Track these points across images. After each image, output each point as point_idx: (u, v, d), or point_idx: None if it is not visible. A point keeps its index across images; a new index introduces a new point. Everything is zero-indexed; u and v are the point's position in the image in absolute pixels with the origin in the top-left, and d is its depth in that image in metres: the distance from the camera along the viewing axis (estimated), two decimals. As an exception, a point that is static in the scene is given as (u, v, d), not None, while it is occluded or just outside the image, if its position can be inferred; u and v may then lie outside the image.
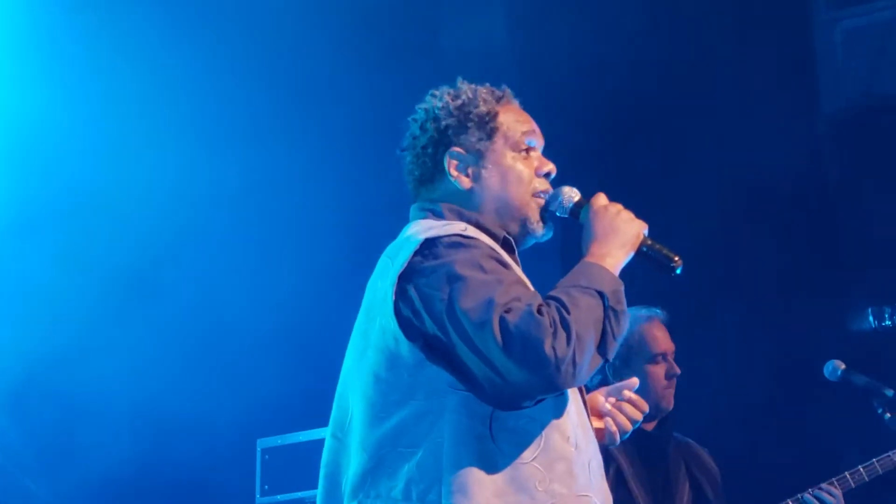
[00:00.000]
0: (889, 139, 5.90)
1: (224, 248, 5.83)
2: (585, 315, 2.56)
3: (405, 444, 2.64)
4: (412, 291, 2.62)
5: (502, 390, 2.56)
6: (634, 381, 3.00)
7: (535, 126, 2.95)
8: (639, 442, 4.64)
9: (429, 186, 2.93)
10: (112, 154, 5.70)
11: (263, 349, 5.74)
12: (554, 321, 2.51)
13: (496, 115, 2.90)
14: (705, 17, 5.95)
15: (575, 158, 6.00)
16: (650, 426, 4.70)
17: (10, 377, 5.55)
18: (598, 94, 5.93)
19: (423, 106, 2.97)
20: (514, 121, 2.92)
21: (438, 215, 2.86)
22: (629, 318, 2.67)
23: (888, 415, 4.46)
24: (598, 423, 2.94)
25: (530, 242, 2.92)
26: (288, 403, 5.52)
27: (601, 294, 2.61)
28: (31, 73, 5.72)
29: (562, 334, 2.50)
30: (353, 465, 2.72)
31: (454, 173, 2.88)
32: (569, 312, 2.54)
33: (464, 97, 2.92)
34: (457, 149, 2.88)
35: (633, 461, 4.61)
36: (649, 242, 2.83)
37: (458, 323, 2.56)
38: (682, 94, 5.91)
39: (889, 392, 4.43)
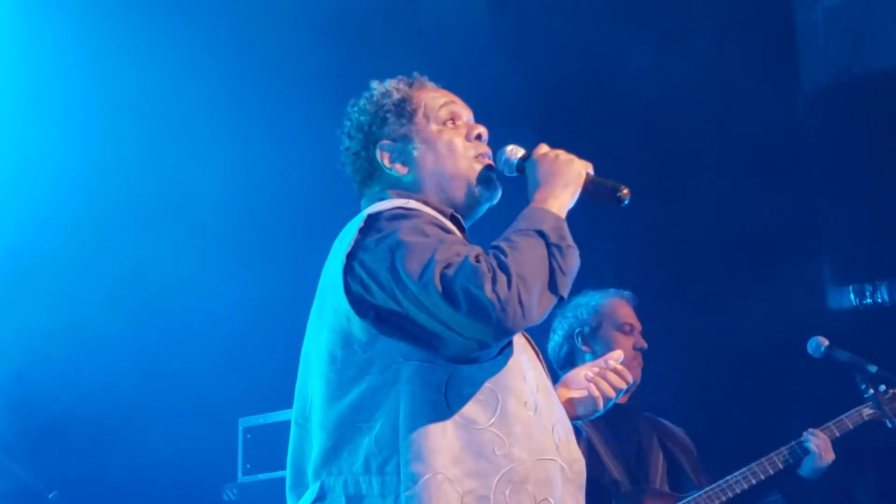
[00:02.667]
0: (869, 117, 5.91)
1: (210, 231, 5.82)
2: (526, 255, 2.58)
3: (363, 419, 2.67)
4: (359, 267, 2.67)
5: (458, 345, 2.59)
6: (619, 353, 3.05)
7: (453, 97, 3.02)
8: (608, 415, 4.65)
9: (370, 184, 3.00)
10: (107, 154, 5.70)
11: (245, 328, 5.73)
12: (491, 266, 2.53)
13: (411, 97, 2.98)
14: (687, -7, 5.96)
15: (556, 131, 6.05)
16: (621, 399, 4.72)
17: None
18: (578, 69, 5.91)
19: (345, 119, 3.06)
20: (431, 97, 2.99)
21: (385, 200, 2.89)
22: (577, 254, 2.67)
23: (871, 390, 4.49)
24: (579, 392, 3.01)
25: (483, 208, 2.97)
26: (270, 383, 5.50)
27: (541, 233, 2.64)
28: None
29: (501, 277, 2.52)
30: (315, 446, 2.76)
31: (388, 164, 2.96)
32: (506, 255, 2.56)
33: (376, 94, 3.02)
34: (385, 141, 2.97)
35: (603, 434, 4.65)
36: (594, 178, 2.85)
37: (404, 287, 2.59)
38: (662, 70, 5.90)
39: (872, 368, 4.45)
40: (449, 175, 2.91)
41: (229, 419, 5.53)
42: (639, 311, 4.82)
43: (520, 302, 2.52)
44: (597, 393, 3.00)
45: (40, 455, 5.38)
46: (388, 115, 2.97)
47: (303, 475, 2.81)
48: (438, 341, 2.61)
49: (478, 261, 2.54)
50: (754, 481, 4.61)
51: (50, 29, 5.79)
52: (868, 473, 5.36)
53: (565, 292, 2.63)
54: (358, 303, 2.68)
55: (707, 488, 4.62)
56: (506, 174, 2.92)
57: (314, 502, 2.73)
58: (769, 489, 4.72)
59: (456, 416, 2.62)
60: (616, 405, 4.62)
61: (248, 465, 5.39)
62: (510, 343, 2.69)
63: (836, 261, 5.92)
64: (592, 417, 3.05)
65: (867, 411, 4.64)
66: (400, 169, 2.94)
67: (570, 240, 2.66)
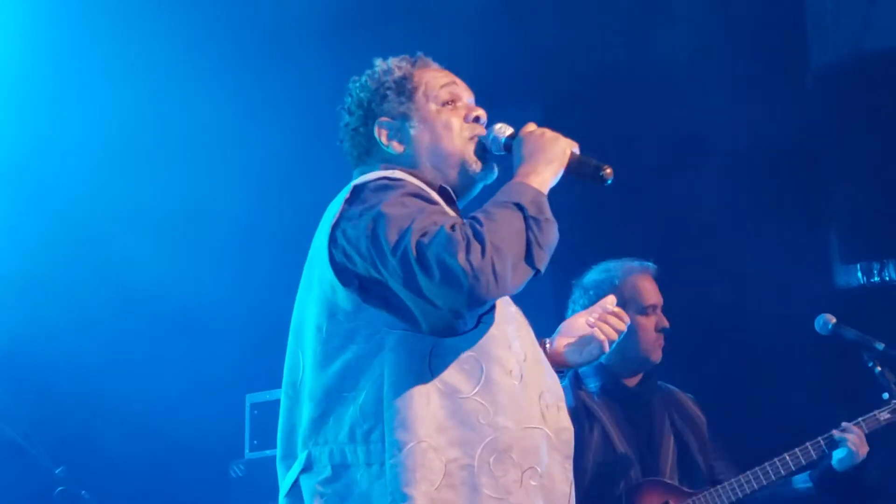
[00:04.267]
0: (878, 95, 5.89)
1: (218, 213, 5.82)
2: (503, 226, 2.59)
3: (348, 389, 2.70)
4: (342, 237, 2.70)
5: (434, 317, 2.61)
6: (612, 298, 3.09)
7: (455, 78, 3.03)
8: (622, 399, 4.66)
9: (366, 160, 3.02)
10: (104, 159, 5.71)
11: (253, 305, 5.73)
12: (466, 235, 2.55)
13: (412, 76, 3.00)
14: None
15: (566, 111, 6.04)
16: (634, 381, 4.71)
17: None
18: (588, 50, 5.90)
19: (347, 95, 3.07)
20: (432, 77, 3.00)
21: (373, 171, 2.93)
22: (555, 228, 2.68)
23: (878, 368, 4.48)
24: (580, 338, 3.05)
25: (477, 187, 2.99)
26: (277, 359, 5.49)
27: (519, 205, 2.64)
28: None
29: (476, 246, 2.53)
30: (304, 416, 2.78)
31: (385, 141, 2.98)
32: (482, 225, 2.57)
33: (378, 71, 3.03)
34: (383, 118, 2.98)
35: (617, 419, 4.63)
36: (579, 157, 2.86)
37: (384, 257, 2.61)
38: (671, 50, 5.88)
39: (879, 345, 4.45)
40: (444, 154, 2.93)
41: (236, 395, 5.53)
42: (659, 282, 4.78)
43: (493, 271, 2.53)
44: (602, 336, 3.02)
45: (46, 432, 5.38)
46: (388, 92, 2.98)
47: (293, 446, 2.83)
48: (417, 313, 2.63)
49: (453, 229, 2.55)
50: (774, 478, 4.57)
51: (55, 28, 5.78)
52: (874, 456, 5.35)
53: (542, 266, 2.64)
54: (342, 272, 2.72)
55: (724, 484, 4.58)
56: (494, 152, 2.93)
57: (301, 472, 2.77)
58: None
59: (440, 385, 2.65)
60: (630, 389, 4.66)
61: (256, 442, 5.40)
62: (491, 312, 2.71)
63: (844, 238, 5.91)
64: (595, 363, 3.12)
65: (885, 415, 4.56)
66: (396, 146, 2.96)
67: (548, 213, 2.67)
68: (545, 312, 4.93)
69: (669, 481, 4.61)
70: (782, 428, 4.69)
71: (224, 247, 5.80)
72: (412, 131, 2.95)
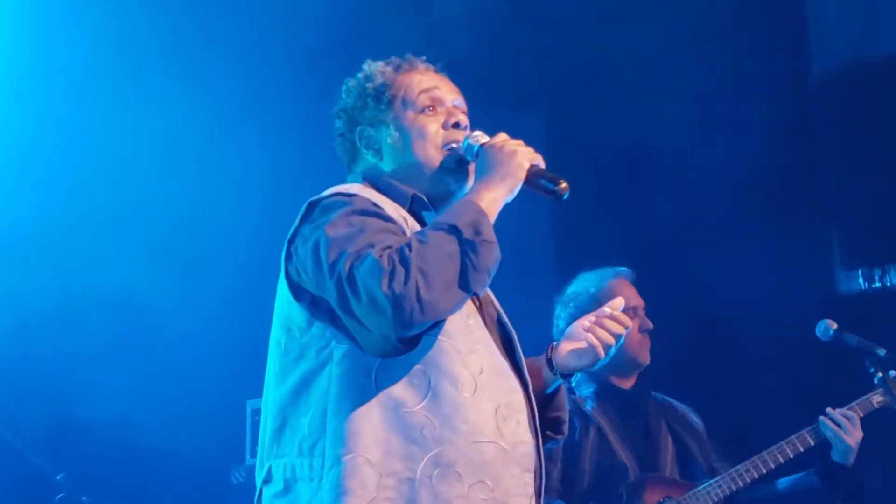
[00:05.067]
0: (880, 99, 5.89)
1: (217, 219, 5.81)
2: (433, 250, 2.55)
3: (302, 403, 2.71)
4: (295, 254, 2.73)
5: (368, 337, 2.61)
6: (620, 301, 3.02)
7: (439, 82, 2.99)
8: (617, 401, 4.68)
9: (353, 167, 3.03)
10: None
11: (253, 309, 5.71)
12: (392, 260, 2.52)
13: (393, 82, 2.98)
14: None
15: (567, 116, 6.04)
16: (628, 384, 4.74)
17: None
18: (589, 55, 5.90)
19: (338, 98, 3.07)
20: (415, 82, 2.97)
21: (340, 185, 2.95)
22: (495, 250, 2.62)
23: (879, 374, 4.48)
24: (579, 344, 2.99)
25: (454, 196, 2.93)
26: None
27: (454, 228, 2.60)
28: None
29: (400, 272, 2.51)
30: (266, 429, 2.81)
31: (365, 149, 2.98)
32: (411, 249, 2.54)
33: (361, 76, 3.03)
34: (364, 126, 2.98)
35: (613, 420, 4.65)
36: (537, 171, 2.81)
37: (323, 278, 2.62)
38: (672, 54, 5.88)
39: (881, 351, 4.44)
40: (417, 163, 2.91)
41: (238, 401, 5.53)
42: (639, 286, 4.79)
43: (418, 297, 2.51)
44: (595, 341, 2.95)
45: (48, 439, 5.38)
46: (368, 99, 2.98)
47: (261, 458, 2.86)
48: (353, 333, 2.64)
49: (381, 255, 2.53)
50: (773, 465, 4.60)
51: (49, 29, 5.77)
52: (878, 459, 5.35)
53: (479, 289, 2.61)
54: (296, 289, 2.75)
55: (723, 474, 4.61)
56: (469, 160, 2.89)
57: (262, 484, 2.80)
58: (803, 469, 4.71)
59: (384, 399, 2.63)
60: (624, 391, 4.68)
61: (257, 448, 5.39)
62: (439, 326, 2.67)
63: (846, 244, 5.91)
64: (595, 368, 3.01)
65: (878, 398, 4.62)
66: (375, 154, 2.96)
67: (487, 234, 2.62)
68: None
69: (670, 476, 4.63)
70: (785, 434, 4.68)
71: (224, 254, 5.79)
72: (388, 140, 2.94)
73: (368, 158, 2.97)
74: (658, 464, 4.66)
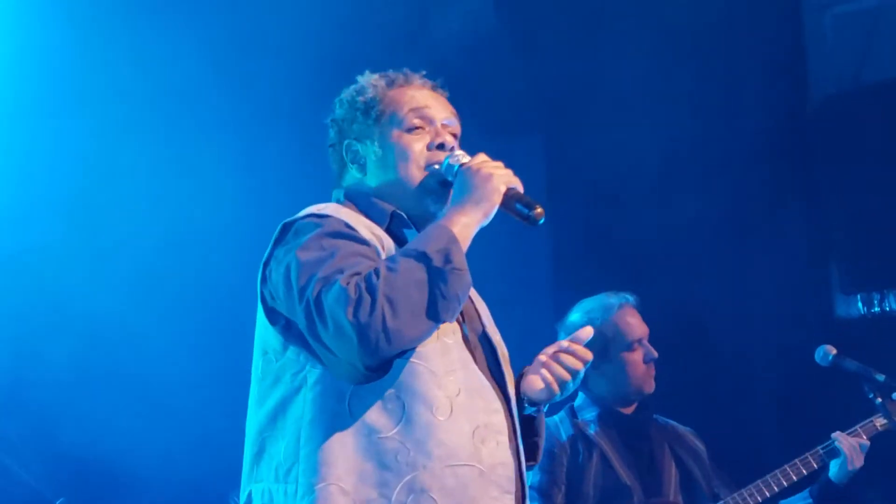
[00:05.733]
0: (878, 125, 5.90)
1: (224, 235, 5.80)
2: (402, 278, 2.52)
3: (278, 427, 2.69)
4: (269, 277, 2.70)
5: (337, 364, 2.59)
6: (588, 332, 2.92)
7: (430, 101, 2.94)
8: (619, 426, 4.68)
9: (340, 180, 2.99)
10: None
11: (253, 331, 5.70)
12: (359, 288, 2.49)
13: (383, 98, 2.92)
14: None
15: (563, 136, 6.05)
16: (630, 409, 4.74)
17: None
18: (585, 74, 5.92)
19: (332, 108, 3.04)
20: (402, 101, 2.92)
21: (336, 201, 2.92)
22: (465, 277, 2.58)
23: (879, 399, 4.47)
24: (536, 377, 2.89)
25: (435, 216, 2.85)
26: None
27: (424, 255, 2.56)
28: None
29: (366, 301, 2.48)
30: (246, 454, 2.78)
31: (351, 164, 2.94)
32: (378, 277, 2.51)
33: (354, 89, 2.99)
34: (351, 140, 2.94)
35: (616, 445, 4.65)
36: (514, 195, 2.76)
37: (293, 303, 2.59)
38: (669, 77, 5.90)
39: (880, 377, 4.44)
40: (398, 182, 2.86)
41: (236, 423, 5.50)
42: (643, 311, 4.79)
43: (384, 327, 2.48)
44: (549, 378, 2.86)
45: (46, 462, 5.36)
46: (357, 113, 2.94)
47: (243, 482, 2.84)
48: (323, 359, 2.61)
49: (348, 283, 2.50)
50: (776, 489, 4.61)
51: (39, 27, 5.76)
52: (879, 482, 5.33)
53: (449, 317, 2.59)
54: (270, 312, 2.72)
55: (726, 499, 4.61)
56: (450, 180, 2.84)
57: None
58: (798, 492, 4.71)
59: (358, 425, 2.60)
60: (626, 416, 4.68)
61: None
62: (411, 350, 2.63)
63: (845, 269, 5.91)
64: (556, 400, 2.91)
65: (880, 421, 4.63)
66: (360, 169, 2.93)
67: (458, 262, 2.58)
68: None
69: (673, 501, 4.62)
70: (785, 458, 4.68)
71: (216, 273, 5.76)
72: (373, 156, 2.90)
73: (354, 173, 2.94)
74: (662, 488, 4.65)
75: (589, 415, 4.72)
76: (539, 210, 2.76)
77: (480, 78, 5.89)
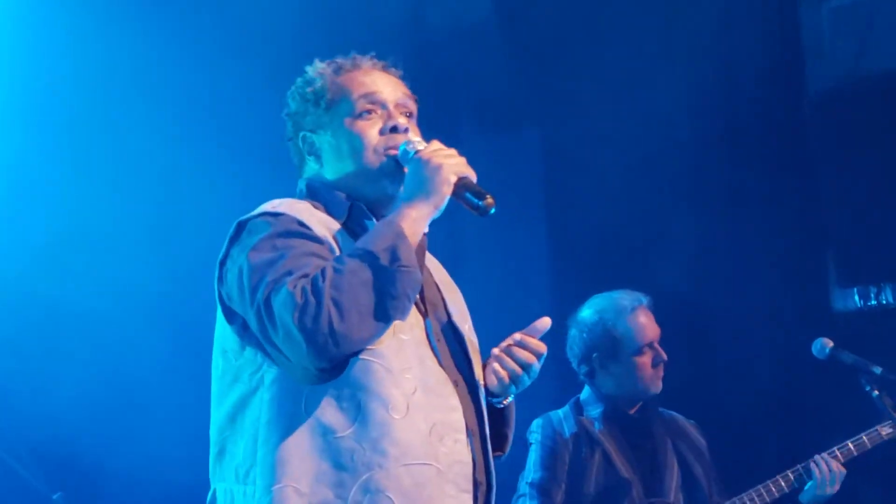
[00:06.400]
0: (875, 119, 5.89)
1: (213, 235, 5.75)
2: (348, 279, 2.49)
3: (237, 427, 2.69)
4: (225, 276, 2.69)
5: (288, 366, 2.58)
6: (545, 323, 2.88)
7: (379, 84, 2.88)
8: (624, 424, 4.68)
9: (301, 171, 2.96)
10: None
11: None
12: (305, 292, 2.47)
13: (331, 86, 2.88)
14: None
15: (560, 132, 6.04)
16: (635, 409, 4.73)
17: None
18: (583, 71, 5.91)
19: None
20: (352, 87, 2.87)
21: (299, 194, 2.90)
22: (414, 274, 2.56)
23: (876, 392, 4.47)
24: (490, 370, 2.85)
25: (396, 201, 2.80)
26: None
27: (372, 254, 2.53)
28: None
29: (311, 304, 2.46)
30: (210, 453, 2.77)
31: (307, 155, 2.91)
32: (324, 279, 2.49)
33: (302, 80, 2.95)
34: (306, 132, 2.91)
35: (619, 444, 4.65)
36: (463, 184, 2.70)
37: (245, 305, 2.58)
38: (666, 71, 5.89)
39: (877, 369, 4.44)
40: (354, 170, 2.82)
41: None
42: (654, 311, 4.78)
43: (331, 331, 2.46)
44: (501, 372, 2.82)
45: (42, 455, 5.35)
46: (307, 104, 2.90)
47: (210, 479, 2.83)
48: (277, 361, 2.60)
49: (295, 286, 2.49)
50: (777, 494, 4.62)
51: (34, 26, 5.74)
52: (875, 481, 5.34)
53: (399, 316, 2.56)
54: (227, 311, 2.71)
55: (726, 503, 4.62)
56: (404, 165, 2.78)
57: None
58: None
59: (314, 425, 2.59)
60: (630, 416, 4.68)
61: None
62: (365, 349, 2.60)
63: (841, 262, 5.91)
64: (514, 392, 2.88)
65: (886, 430, 4.62)
66: (317, 160, 2.90)
67: (406, 259, 2.54)
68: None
69: (674, 502, 4.62)
70: (780, 453, 4.68)
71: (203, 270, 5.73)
72: (328, 146, 2.87)
73: (312, 164, 2.91)
74: (663, 489, 4.64)
75: (594, 411, 4.71)
76: (489, 200, 2.69)
77: (477, 72, 5.89)
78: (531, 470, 4.63)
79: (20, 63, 5.67)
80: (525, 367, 2.82)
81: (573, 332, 4.76)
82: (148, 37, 5.65)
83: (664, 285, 5.44)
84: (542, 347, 2.84)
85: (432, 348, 2.75)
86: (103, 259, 5.56)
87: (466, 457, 2.71)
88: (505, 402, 2.91)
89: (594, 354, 4.69)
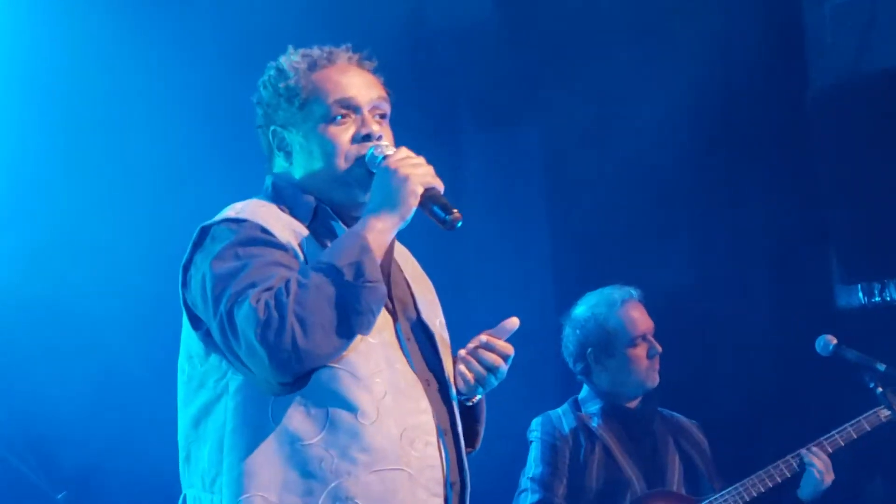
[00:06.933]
0: (877, 116, 5.88)
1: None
2: (312, 296, 2.47)
3: (201, 433, 2.66)
4: (189, 282, 2.66)
5: (252, 377, 2.55)
6: (513, 323, 2.82)
7: (354, 86, 2.81)
8: (623, 419, 4.70)
9: (269, 165, 2.91)
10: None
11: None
12: (268, 307, 2.45)
13: (306, 83, 2.80)
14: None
15: (561, 131, 6.03)
16: (634, 403, 4.74)
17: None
18: (583, 69, 5.90)
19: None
20: (327, 88, 2.80)
21: (265, 191, 2.85)
22: (379, 290, 2.53)
23: (880, 389, 4.47)
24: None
25: (363, 205, 2.76)
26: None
27: (336, 270, 2.50)
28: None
29: (274, 320, 2.44)
30: (179, 458, 2.76)
31: (277, 150, 2.85)
32: (288, 294, 2.46)
33: (276, 70, 2.86)
34: (276, 126, 2.84)
35: (619, 438, 4.66)
36: (429, 195, 2.66)
37: (210, 316, 2.56)
38: (667, 69, 5.88)
39: (881, 366, 4.43)
40: (324, 174, 2.77)
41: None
42: (647, 304, 4.78)
43: (294, 347, 2.44)
44: (468, 375, 2.78)
45: (46, 456, 5.35)
46: (280, 99, 2.82)
47: (182, 484, 2.81)
48: (241, 372, 2.58)
49: (258, 300, 2.46)
50: (762, 489, 4.61)
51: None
52: (878, 474, 5.33)
53: (363, 331, 2.54)
54: (192, 317, 2.68)
55: (729, 489, 4.62)
56: (373, 171, 2.74)
57: None
58: (779, 498, 4.71)
59: (281, 433, 2.57)
60: (630, 410, 4.69)
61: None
62: (337, 356, 2.57)
63: (844, 259, 5.90)
64: (481, 394, 2.85)
65: (884, 412, 4.62)
66: (286, 157, 2.83)
67: (370, 275, 2.52)
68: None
69: (676, 492, 4.63)
70: (784, 450, 4.67)
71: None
72: (298, 147, 2.80)
73: (281, 161, 2.85)
74: (665, 480, 4.66)
75: (592, 407, 4.73)
76: (456, 214, 2.66)
77: (477, 69, 5.88)
78: (532, 466, 4.65)
79: (20, 63, 5.67)
80: (492, 369, 2.79)
81: (567, 331, 4.79)
82: (147, 36, 5.64)
83: (666, 282, 5.43)
84: (509, 349, 2.80)
85: (402, 349, 2.72)
86: (104, 259, 5.55)
87: (437, 460, 2.68)
88: (473, 401, 2.88)
89: (588, 350, 4.71)
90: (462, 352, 2.83)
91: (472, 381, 2.79)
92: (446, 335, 2.89)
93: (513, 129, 6.05)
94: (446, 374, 2.78)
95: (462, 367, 2.80)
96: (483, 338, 2.80)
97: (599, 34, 5.94)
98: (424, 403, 2.70)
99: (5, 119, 5.63)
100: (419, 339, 2.79)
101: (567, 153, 6.02)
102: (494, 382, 2.81)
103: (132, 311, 5.52)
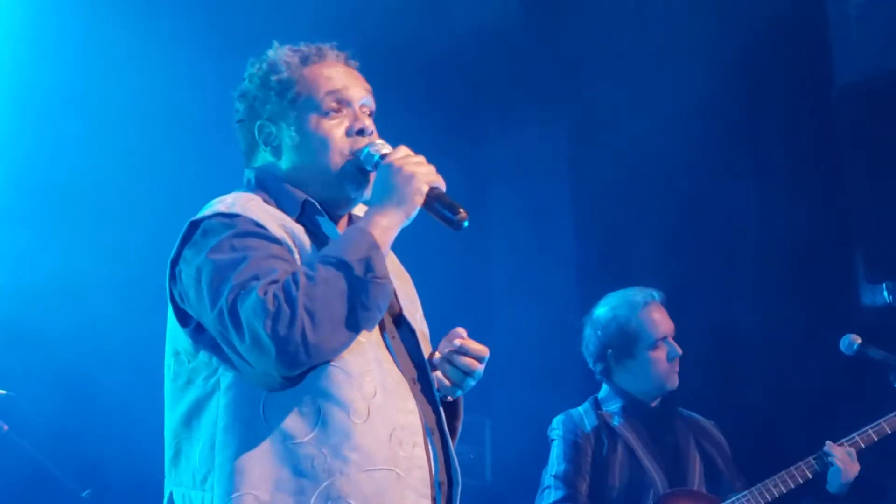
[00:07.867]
0: (902, 112, 5.87)
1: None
2: (321, 289, 2.46)
3: (193, 431, 2.65)
4: (178, 277, 2.63)
5: (251, 372, 2.53)
6: (460, 331, 2.81)
7: (346, 81, 2.82)
8: (644, 418, 4.70)
9: (251, 158, 2.88)
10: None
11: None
12: (277, 299, 2.43)
13: (298, 78, 2.79)
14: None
15: (587, 129, 6.04)
16: (654, 403, 4.74)
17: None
18: (610, 66, 5.90)
19: (241, 79, 2.90)
20: (319, 82, 2.80)
21: (248, 184, 2.82)
22: (387, 287, 2.53)
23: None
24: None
25: (353, 203, 2.81)
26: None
27: (346, 264, 2.50)
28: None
29: (285, 313, 2.43)
30: (166, 455, 2.74)
31: (264, 146, 2.81)
32: (298, 288, 2.45)
33: (266, 64, 2.84)
34: (264, 120, 2.81)
35: (641, 437, 4.66)
36: (435, 195, 2.66)
37: (205, 309, 2.53)
38: (694, 67, 5.88)
39: (905, 366, 4.42)
40: (316, 169, 2.75)
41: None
42: (669, 305, 4.78)
43: (303, 340, 2.43)
44: (446, 381, 2.79)
45: (73, 453, 5.38)
46: (270, 93, 2.80)
47: (166, 481, 2.79)
48: (237, 365, 2.56)
49: (265, 292, 2.44)
50: (784, 490, 4.60)
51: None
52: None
53: (369, 326, 2.54)
54: (181, 313, 2.66)
55: (751, 489, 4.61)
56: (368, 170, 2.74)
57: None
58: (799, 497, 4.70)
59: (273, 431, 2.55)
60: (651, 409, 4.68)
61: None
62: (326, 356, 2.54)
63: (870, 257, 5.88)
64: (460, 393, 2.84)
65: (892, 423, 4.60)
66: (274, 152, 2.80)
67: (379, 271, 2.52)
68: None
69: (698, 490, 4.63)
70: (808, 450, 4.66)
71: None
72: (289, 140, 2.78)
73: (266, 155, 2.82)
74: (686, 479, 4.66)
75: (613, 406, 4.73)
76: (463, 214, 2.66)
77: (502, 68, 5.89)
78: (554, 463, 4.65)
79: (20, 63, 5.69)
80: (468, 373, 2.79)
81: (588, 331, 4.79)
82: (148, 35, 5.66)
83: (690, 283, 5.43)
84: (484, 351, 2.80)
85: (388, 348, 2.72)
86: (109, 258, 5.58)
87: (424, 461, 2.67)
88: (451, 399, 2.87)
89: (609, 351, 4.71)
90: (437, 355, 2.82)
91: (449, 384, 2.80)
92: (426, 329, 2.89)
93: (538, 128, 6.06)
94: (430, 373, 2.78)
95: (439, 374, 2.80)
96: (457, 342, 2.79)
97: (625, 32, 5.95)
98: (412, 404, 2.69)
99: (12, 119, 5.66)
100: (403, 337, 2.79)
101: (592, 153, 6.02)
102: (472, 383, 2.81)
103: (138, 311, 5.54)
